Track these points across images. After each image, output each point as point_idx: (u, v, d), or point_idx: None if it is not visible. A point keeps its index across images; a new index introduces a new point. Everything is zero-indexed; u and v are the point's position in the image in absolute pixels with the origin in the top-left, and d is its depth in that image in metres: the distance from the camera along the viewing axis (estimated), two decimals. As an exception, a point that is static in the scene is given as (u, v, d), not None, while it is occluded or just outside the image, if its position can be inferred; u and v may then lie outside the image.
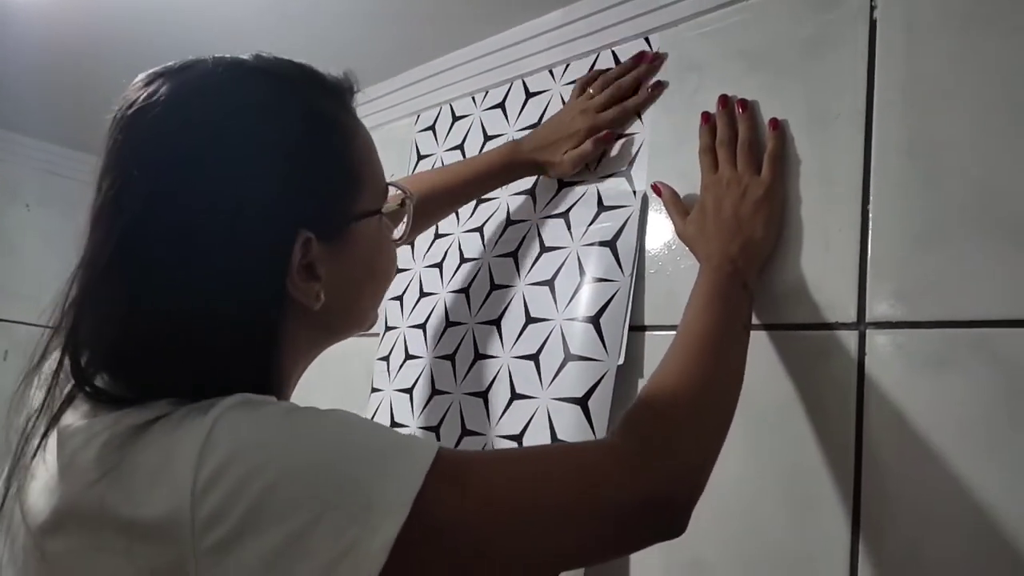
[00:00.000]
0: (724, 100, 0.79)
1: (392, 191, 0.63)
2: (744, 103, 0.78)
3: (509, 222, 0.99)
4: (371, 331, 1.14)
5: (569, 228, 0.91)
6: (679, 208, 0.79)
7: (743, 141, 0.76)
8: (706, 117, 0.80)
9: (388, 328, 1.11)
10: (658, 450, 0.53)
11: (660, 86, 0.87)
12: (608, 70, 0.92)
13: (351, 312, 0.60)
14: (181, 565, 0.41)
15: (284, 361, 0.54)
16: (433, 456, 0.45)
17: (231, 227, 0.49)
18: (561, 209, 0.93)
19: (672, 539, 0.53)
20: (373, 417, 1.07)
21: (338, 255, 0.54)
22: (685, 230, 0.77)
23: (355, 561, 0.41)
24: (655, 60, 0.87)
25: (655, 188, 0.83)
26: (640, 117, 0.89)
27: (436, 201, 0.91)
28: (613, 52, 0.94)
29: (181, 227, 0.48)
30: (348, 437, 0.46)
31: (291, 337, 0.53)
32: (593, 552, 0.52)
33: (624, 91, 0.88)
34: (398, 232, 0.63)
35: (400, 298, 1.11)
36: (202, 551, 0.41)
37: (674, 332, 0.79)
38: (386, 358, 1.09)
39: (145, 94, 0.51)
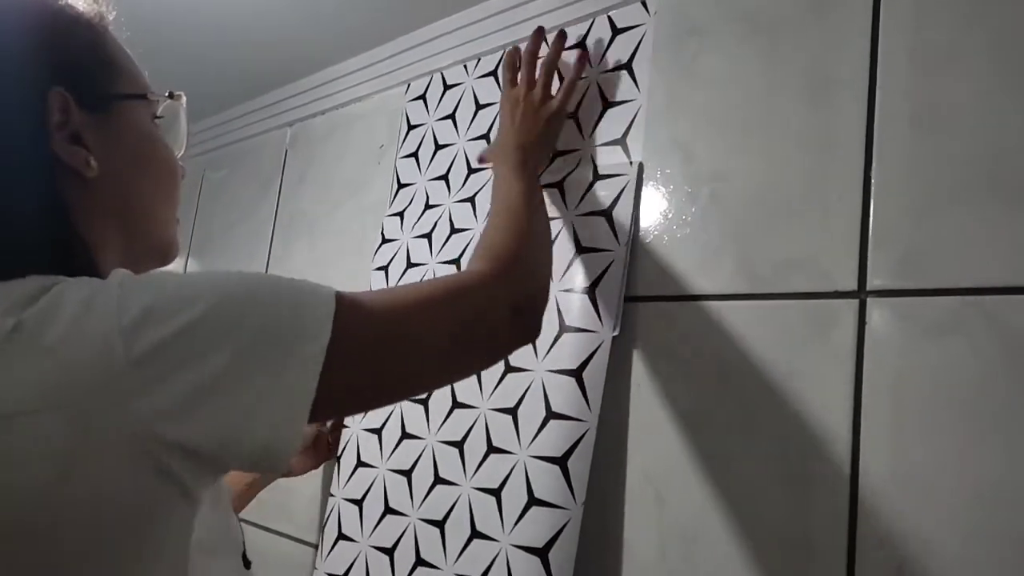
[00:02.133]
0: (540, 29, 0.90)
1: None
2: (562, 33, 0.90)
3: (501, 192, 0.97)
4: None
5: (563, 197, 0.89)
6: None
7: (545, 61, 0.87)
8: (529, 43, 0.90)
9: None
10: (515, 269, 0.66)
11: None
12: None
13: (135, 202, 0.59)
14: (115, 402, 0.42)
15: (96, 255, 0.54)
16: (333, 290, 0.51)
17: None
18: (556, 178, 0.91)
19: (530, 342, 0.66)
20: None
21: (105, 130, 0.55)
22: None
23: (302, 362, 0.47)
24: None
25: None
26: (636, 84, 0.87)
27: None
28: (609, 17, 0.91)
29: None
30: (260, 278, 0.51)
31: (87, 218, 0.54)
32: (476, 355, 0.62)
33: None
34: (178, 140, 0.64)
35: (386, 268, 1.09)
36: (144, 384, 0.43)
37: (670, 302, 0.78)
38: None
39: None
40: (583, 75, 0.90)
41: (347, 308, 0.51)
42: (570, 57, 0.90)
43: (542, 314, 0.68)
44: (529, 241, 0.70)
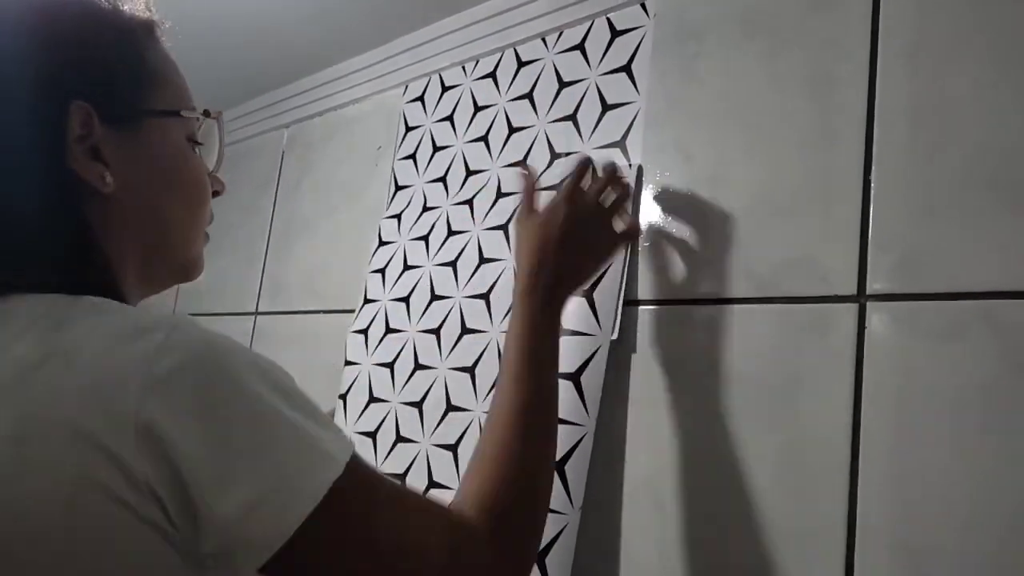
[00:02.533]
0: (588, 160, 0.77)
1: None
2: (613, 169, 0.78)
3: (500, 194, 0.97)
4: (346, 307, 1.12)
5: (561, 200, 0.88)
6: (531, 199, 0.77)
7: (621, 194, 0.77)
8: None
9: (367, 301, 1.08)
10: (504, 526, 0.56)
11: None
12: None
13: (159, 222, 0.57)
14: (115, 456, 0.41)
15: (115, 269, 0.54)
16: (346, 461, 0.47)
17: (3, 98, 0.50)
18: (554, 182, 0.90)
19: None
20: (349, 391, 1.05)
21: (130, 146, 0.54)
22: (528, 221, 0.74)
23: (276, 517, 0.43)
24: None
25: (521, 171, 0.82)
26: (636, 86, 0.86)
27: None
28: (608, 19, 0.91)
29: None
30: (293, 409, 0.47)
31: (106, 232, 0.53)
32: None
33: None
34: (210, 158, 0.63)
35: (382, 271, 1.08)
36: (135, 447, 0.41)
37: (668, 306, 0.78)
38: (364, 331, 1.06)
39: None
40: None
41: (349, 484, 0.46)
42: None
43: (531, 566, 0.61)
44: (532, 471, 0.62)
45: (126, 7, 0.56)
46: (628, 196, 0.79)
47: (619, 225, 0.77)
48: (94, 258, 0.52)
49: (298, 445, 0.45)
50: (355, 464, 0.48)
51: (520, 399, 0.64)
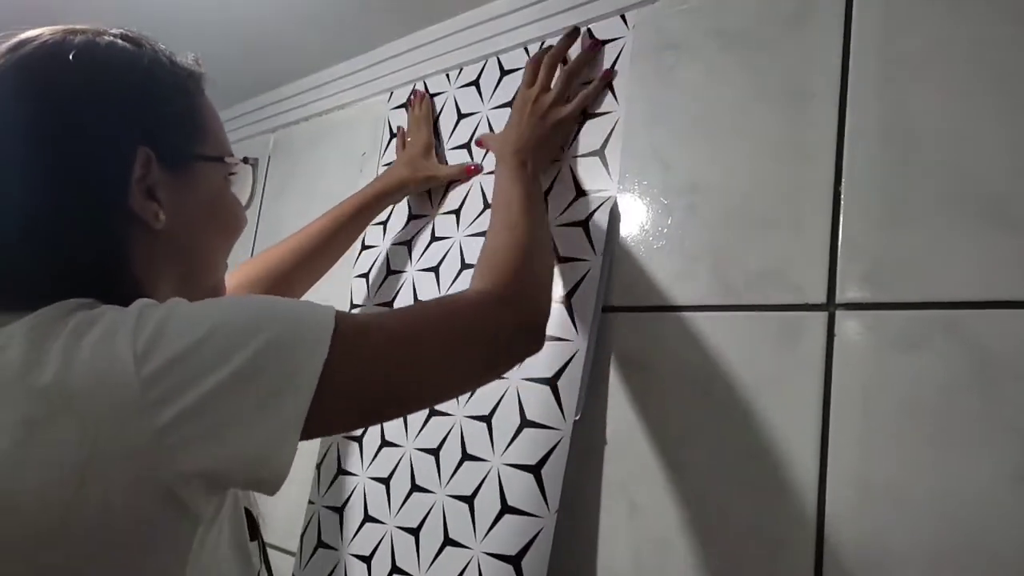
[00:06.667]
0: (575, 31, 0.90)
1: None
2: (595, 43, 0.89)
3: (487, 205, 0.97)
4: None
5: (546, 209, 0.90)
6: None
7: (568, 69, 0.87)
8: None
9: (353, 306, 1.09)
10: (519, 289, 0.67)
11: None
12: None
13: (196, 252, 0.63)
14: (126, 421, 0.45)
15: (145, 289, 0.57)
16: (334, 310, 0.53)
17: (79, 140, 0.54)
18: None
19: (535, 355, 0.69)
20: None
21: (180, 187, 0.60)
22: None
23: (296, 384, 0.49)
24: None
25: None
26: (615, 96, 0.88)
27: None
28: (589, 30, 0.92)
29: (33, 141, 0.54)
30: (264, 300, 0.54)
31: (145, 262, 0.58)
32: (479, 374, 0.65)
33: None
34: (243, 195, 0.69)
35: (366, 276, 1.09)
36: (151, 402, 0.45)
37: (646, 313, 0.79)
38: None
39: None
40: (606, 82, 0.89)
41: (346, 329, 0.52)
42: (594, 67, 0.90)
43: (545, 327, 0.70)
44: (530, 256, 0.71)
45: (179, 60, 0.62)
46: (580, 69, 0.89)
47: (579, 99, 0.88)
48: (126, 282, 0.56)
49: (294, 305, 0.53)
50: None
51: (517, 206, 0.76)
